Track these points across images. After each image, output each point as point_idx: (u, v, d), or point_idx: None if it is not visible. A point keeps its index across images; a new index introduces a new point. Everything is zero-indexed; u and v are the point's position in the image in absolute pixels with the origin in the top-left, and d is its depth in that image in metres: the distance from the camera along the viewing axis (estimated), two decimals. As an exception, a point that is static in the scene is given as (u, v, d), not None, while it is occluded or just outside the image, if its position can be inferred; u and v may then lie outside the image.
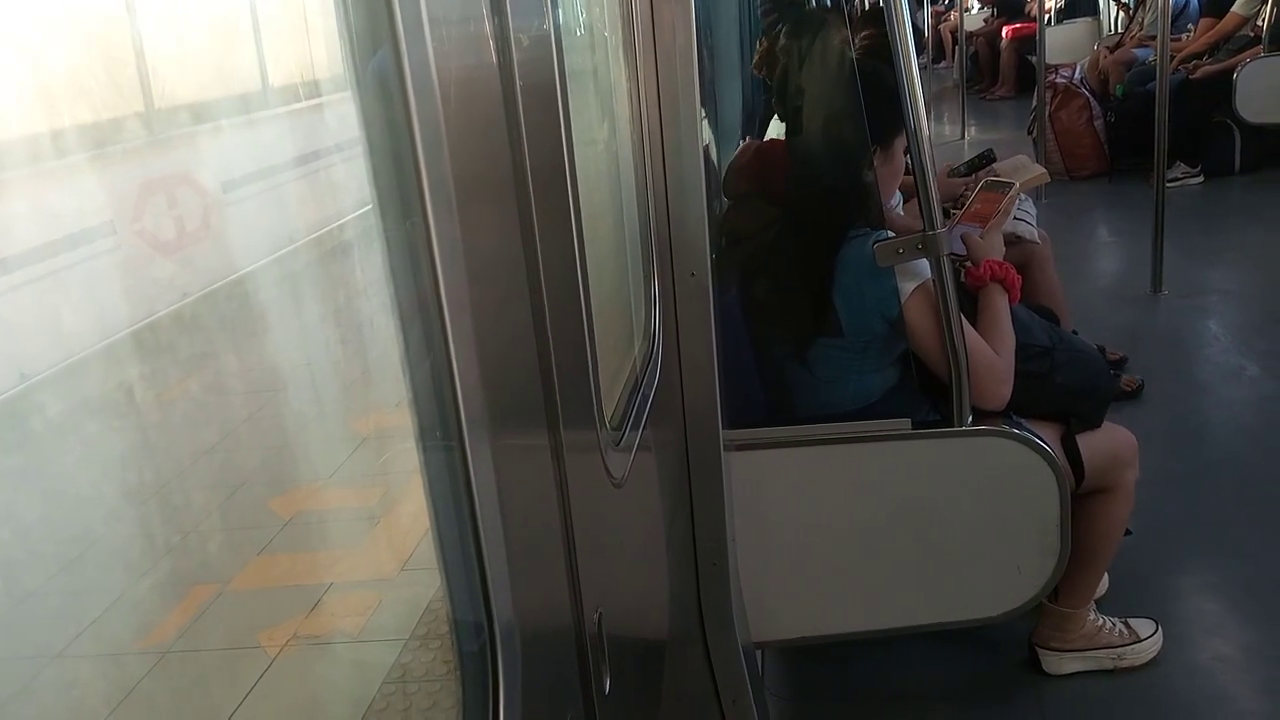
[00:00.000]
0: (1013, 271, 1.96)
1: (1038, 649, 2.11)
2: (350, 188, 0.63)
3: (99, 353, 0.59)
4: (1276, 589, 2.30)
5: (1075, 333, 2.47)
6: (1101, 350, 3.24)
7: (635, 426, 1.20)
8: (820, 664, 2.23)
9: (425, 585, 0.94)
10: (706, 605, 1.76)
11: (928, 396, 1.94)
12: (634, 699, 1.15)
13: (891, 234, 1.85)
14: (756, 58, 2.20)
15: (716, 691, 1.77)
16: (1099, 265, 4.85)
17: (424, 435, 0.61)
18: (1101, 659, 2.09)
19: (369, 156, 0.58)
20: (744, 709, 1.77)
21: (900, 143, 2.00)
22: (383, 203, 0.59)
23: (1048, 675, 2.10)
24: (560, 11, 0.97)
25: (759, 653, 2.09)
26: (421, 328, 0.59)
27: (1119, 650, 2.09)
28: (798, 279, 2.00)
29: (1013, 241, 2.89)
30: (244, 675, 0.99)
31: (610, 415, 1.12)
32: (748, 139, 2.23)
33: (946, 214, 2.20)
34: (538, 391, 0.80)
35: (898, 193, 2.55)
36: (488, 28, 0.71)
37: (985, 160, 2.59)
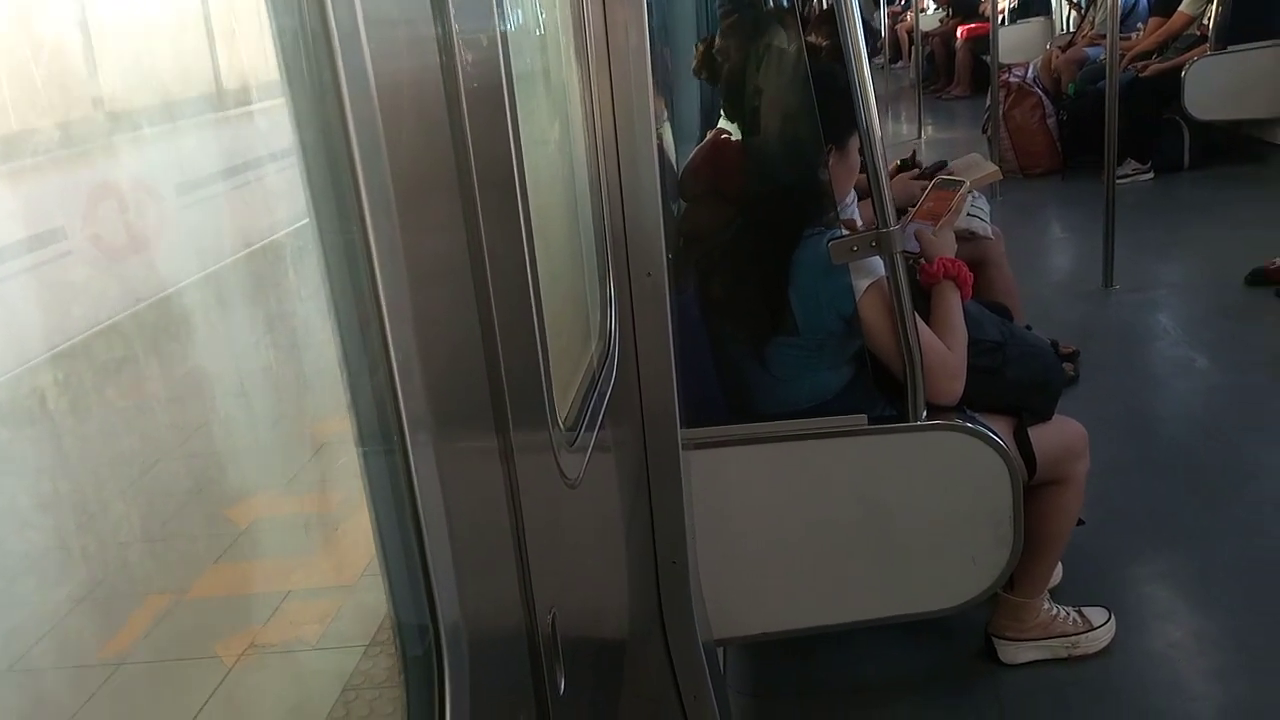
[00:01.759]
0: (965, 268, 1.99)
1: (994, 639, 2.15)
2: (287, 195, 0.62)
3: (36, 364, 0.59)
4: (1227, 576, 2.36)
5: (1029, 328, 2.52)
6: (1054, 345, 3.30)
7: (591, 427, 1.20)
8: (781, 659, 2.25)
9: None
10: (666, 603, 1.76)
11: (883, 393, 1.96)
12: (591, 697, 1.16)
13: (846, 233, 1.87)
14: (696, 60, 2.21)
15: (677, 688, 1.78)
16: (1052, 261, 4.94)
17: (364, 439, 0.61)
18: (1056, 647, 2.12)
19: (303, 161, 0.58)
20: (704, 705, 1.78)
21: (855, 142, 2.02)
22: (318, 208, 0.59)
23: (1004, 664, 2.13)
24: (507, 12, 0.97)
25: (720, 649, 2.11)
26: (359, 332, 0.59)
27: (1073, 638, 2.13)
28: (754, 278, 2.01)
29: (967, 238, 2.93)
30: (200, 685, 0.98)
31: (564, 416, 1.13)
32: (704, 139, 2.25)
33: (901, 213, 2.23)
34: (484, 393, 0.80)
35: (853, 191, 2.58)
36: (429, 29, 0.71)
37: (938, 168, 2.65)
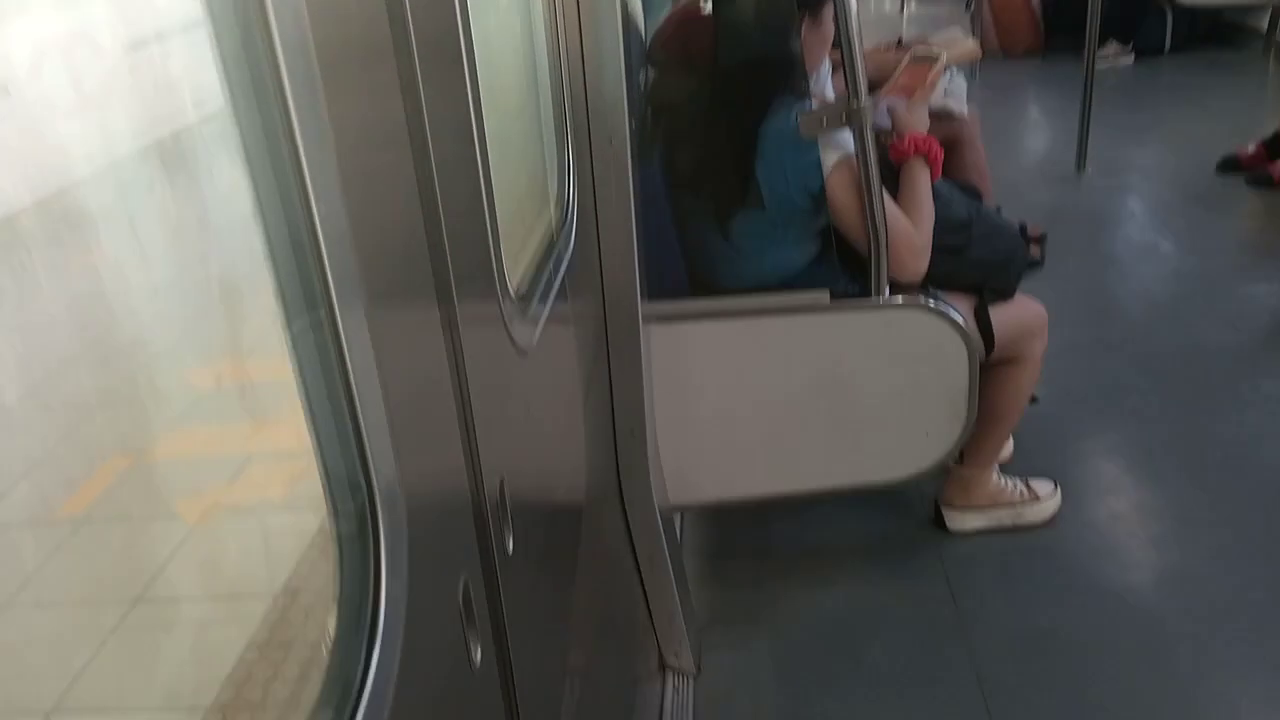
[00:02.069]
0: (936, 145, 1.96)
1: (942, 508, 2.22)
2: (197, 68, 0.60)
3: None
4: (1170, 451, 2.44)
5: (999, 210, 2.51)
6: (1023, 227, 3.30)
7: (546, 295, 1.20)
8: (738, 525, 2.32)
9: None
10: (624, 471, 1.80)
11: (846, 269, 1.96)
12: (543, 559, 1.19)
13: (816, 104, 1.84)
14: None
15: (634, 551, 1.84)
16: (1027, 143, 4.89)
17: (288, 306, 0.61)
18: (1001, 517, 2.21)
19: (212, 25, 0.55)
20: (660, 567, 1.84)
21: (829, 10, 1.95)
22: (230, 75, 0.56)
23: (951, 533, 2.22)
24: None
25: (678, 516, 2.17)
26: (281, 204, 0.58)
27: (1018, 509, 2.21)
28: (721, 149, 1.98)
29: (943, 117, 2.89)
30: (162, 544, 1.00)
31: (517, 283, 1.12)
32: (676, 3, 2.17)
33: (876, 87, 2.19)
34: (424, 259, 0.79)
35: (828, 63, 2.52)
36: None
37: (918, 41, 2.57)
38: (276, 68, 0.55)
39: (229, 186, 0.63)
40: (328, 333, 0.61)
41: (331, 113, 0.61)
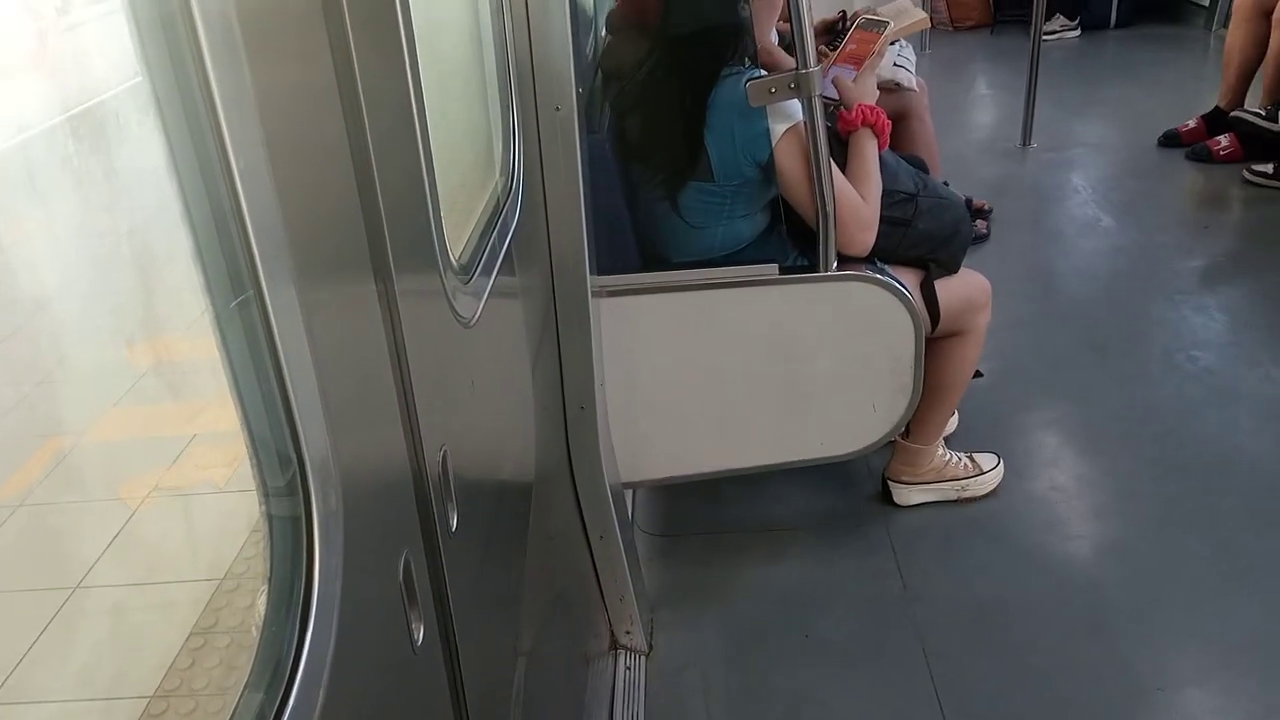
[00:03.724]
0: (883, 116, 1.96)
1: (889, 482, 2.24)
2: (108, 37, 0.56)
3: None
4: (1110, 423, 2.49)
5: (946, 184, 2.52)
6: (969, 201, 3.33)
7: (490, 266, 1.17)
8: (689, 501, 2.32)
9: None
10: (574, 447, 1.78)
11: (795, 243, 1.96)
12: (490, 536, 1.17)
13: (765, 73, 1.82)
14: None
15: (585, 528, 1.83)
16: (974, 117, 4.93)
17: (211, 281, 0.58)
18: (947, 490, 2.23)
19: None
20: (611, 543, 1.83)
21: (778, -24, 1.93)
22: (145, 43, 0.53)
23: (898, 506, 2.24)
24: None
25: (630, 492, 2.16)
26: (202, 177, 0.55)
27: (963, 482, 2.23)
28: (669, 119, 1.95)
29: (891, 89, 2.89)
30: (104, 526, 0.96)
31: (459, 252, 1.09)
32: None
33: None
34: (359, 231, 0.76)
35: (775, 30, 2.50)
36: None
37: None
38: (194, 34, 0.52)
39: (148, 160, 0.60)
40: (255, 307, 0.59)
41: (256, 82, 0.59)
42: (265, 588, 0.63)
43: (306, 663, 0.62)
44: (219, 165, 0.55)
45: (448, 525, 0.91)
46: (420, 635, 0.84)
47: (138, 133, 0.59)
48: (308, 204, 0.67)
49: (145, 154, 0.58)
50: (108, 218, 0.77)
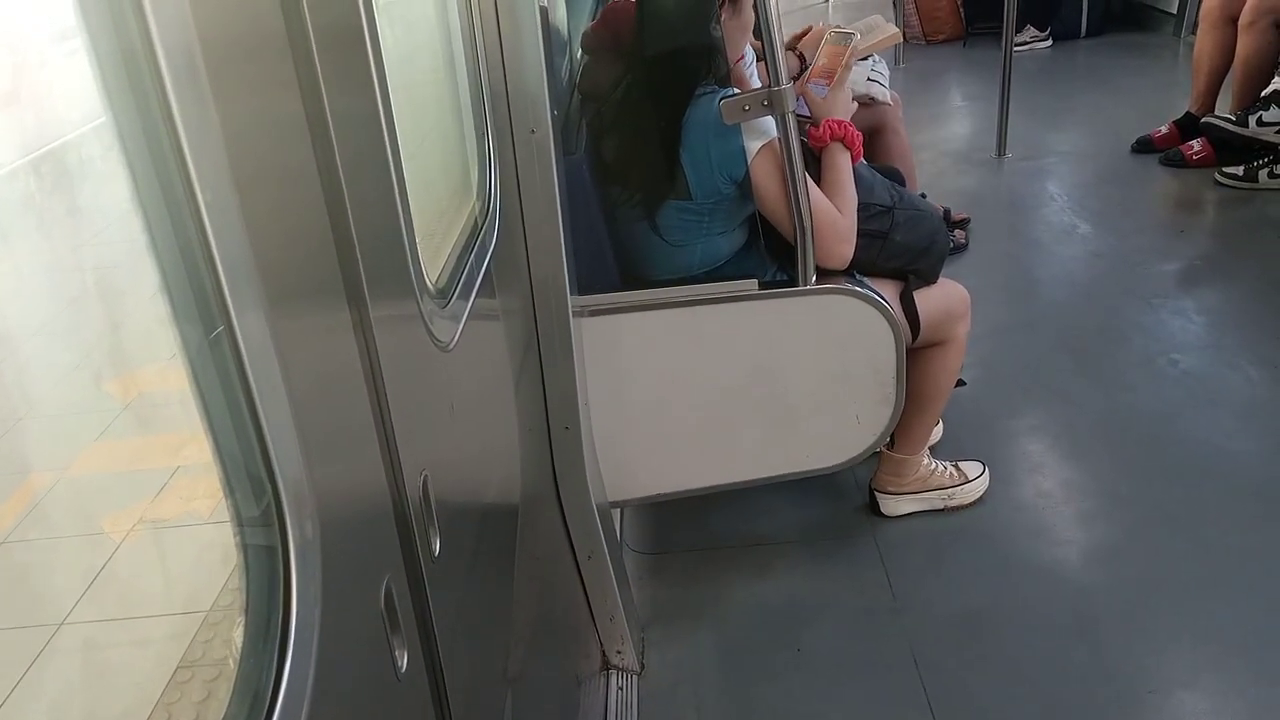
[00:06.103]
0: (853, 129, 1.97)
1: (876, 493, 2.25)
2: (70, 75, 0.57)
3: None
4: (1093, 428, 2.50)
5: (924, 195, 2.54)
6: (947, 212, 3.36)
7: (469, 289, 1.17)
8: (676, 518, 2.32)
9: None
10: (560, 468, 1.78)
11: (774, 258, 1.97)
12: (475, 560, 1.17)
13: (738, 91, 1.83)
14: None
15: (573, 549, 1.82)
16: (949, 129, 4.97)
17: (178, 312, 0.58)
18: (933, 499, 2.24)
19: (86, 27, 0.52)
20: (600, 563, 1.83)
21: (749, -3, 1.95)
22: (107, 81, 0.53)
23: (885, 516, 2.24)
24: None
25: (617, 511, 2.16)
26: (167, 210, 0.55)
27: (949, 490, 2.24)
28: (645, 138, 1.97)
29: (866, 103, 2.91)
30: (88, 561, 0.95)
31: (436, 277, 1.09)
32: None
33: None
34: (331, 258, 0.76)
35: (751, 52, 2.52)
36: None
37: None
38: (157, 67, 0.53)
39: (113, 197, 0.60)
40: (225, 337, 0.58)
41: (221, 111, 0.59)
42: (242, 619, 0.63)
43: (285, 693, 0.62)
44: (184, 198, 0.55)
45: (430, 550, 0.91)
46: (404, 662, 0.83)
47: (101, 168, 0.59)
48: (277, 234, 0.67)
49: (110, 190, 0.58)
50: (75, 255, 0.77)
